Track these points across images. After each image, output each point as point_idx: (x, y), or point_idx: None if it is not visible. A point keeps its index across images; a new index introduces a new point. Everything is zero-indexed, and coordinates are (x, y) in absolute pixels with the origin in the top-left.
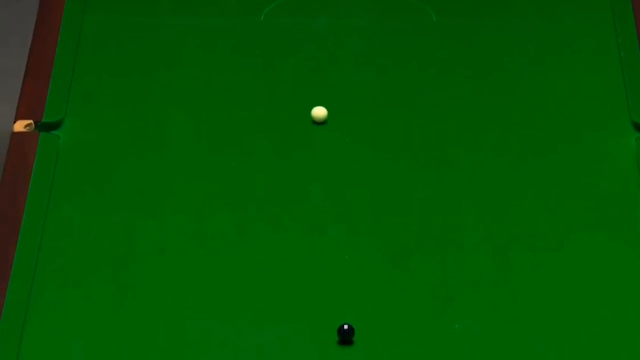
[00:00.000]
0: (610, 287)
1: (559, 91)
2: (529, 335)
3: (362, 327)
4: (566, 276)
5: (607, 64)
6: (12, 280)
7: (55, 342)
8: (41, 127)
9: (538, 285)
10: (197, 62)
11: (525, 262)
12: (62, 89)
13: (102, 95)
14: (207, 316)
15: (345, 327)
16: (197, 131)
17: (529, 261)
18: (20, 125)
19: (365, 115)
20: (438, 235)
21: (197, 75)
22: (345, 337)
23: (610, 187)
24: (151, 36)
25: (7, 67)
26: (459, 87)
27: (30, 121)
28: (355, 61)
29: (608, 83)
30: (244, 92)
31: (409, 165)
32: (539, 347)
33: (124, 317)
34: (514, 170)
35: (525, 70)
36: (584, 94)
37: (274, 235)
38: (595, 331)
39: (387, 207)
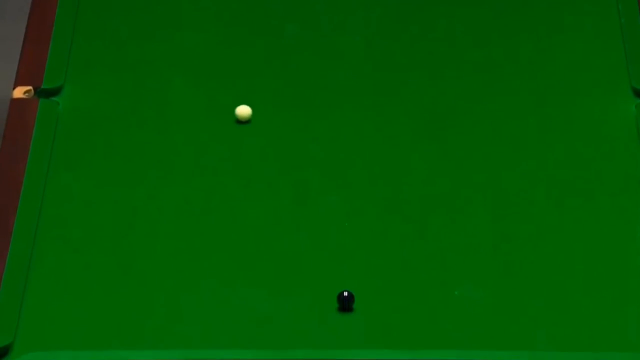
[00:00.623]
0: (610, 251)
1: (559, 58)
2: (529, 300)
3: (362, 294)
4: (566, 241)
5: (608, 30)
6: (12, 247)
7: (56, 308)
8: (40, 93)
9: (538, 250)
10: (198, 27)
11: (525, 227)
12: (61, 55)
13: (102, 61)
14: (207, 282)
15: (345, 294)
16: (199, 97)
17: (528, 226)
18: (19, 92)
19: (366, 79)
20: (437, 201)
21: (199, 40)
22: (345, 304)
23: (610, 153)
24: (152, 1)
25: (5, 33)
26: (459, 52)
27: (30, 87)
28: (356, 24)
29: (608, 50)
30: (244, 56)
31: (409, 130)
32: (539, 311)
33: (124, 284)
34: (513, 136)
35: (526, 36)
36: (584, 60)
37: (275, 201)
38: (595, 295)
39: (386, 172)
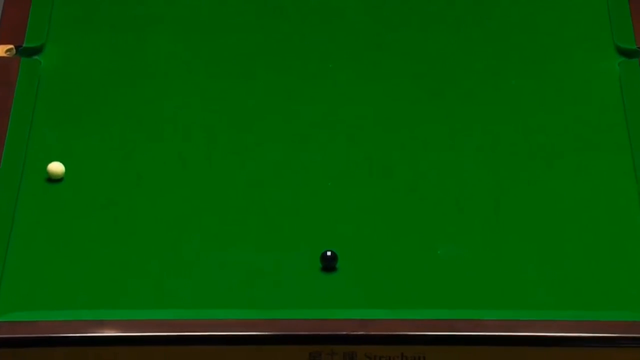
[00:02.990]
0: (599, 207)
1: (543, 17)
2: (518, 259)
3: (345, 253)
4: (553, 198)
5: None
6: None
7: (39, 268)
8: (22, 52)
9: (526, 206)
10: None
11: (513, 184)
12: (43, 13)
13: (84, 19)
14: (191, 241)
15: (328, 253)
16: (183, 55)
17: (516, 183)
18: (1, 50)
19: (358, 37)
20: (424, 160)
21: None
22: (328, 264)
23: (595, 111)
24: None
25: None
26: (448, 15)
27: (11, 46)
28: None
29: (592, 8)
30: (232, 13)
31: (398, 89)
32: (529, 269)
33: (107, 242)
34: (497, 95)
35: None
36: (568, 19)
37: (260, 160)
38: (583, 251)
39: (374, 133)
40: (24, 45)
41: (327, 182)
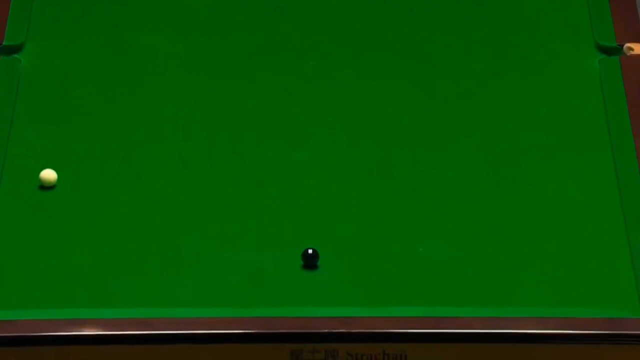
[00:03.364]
0: (580, 205)
1: (523, 15)
2: (498, 257)
3: (326, 251)
4: (535, 195)
5: None
6: None
7: (21, 266)
8: (2, 50)
9: (507, 205)
10: None
11: (494, 181)
12: (23, 11)
13: (64, 17)
14: (174, 242)
15: (310, 251)
16: (164, 54)
17: (497, 180)
18: None
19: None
20: (405, 159)
21: None
22: (310, 262)
23: (576, 108)
24: None
25: None
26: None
27: None
28: None
29: (573, 6)
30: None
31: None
32: (509, 268)
33: (89, 242)
34: (478, 93)
35: None
36: (549, 17)
37: (240, 158)
38: (565, 248)
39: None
40: (4, 43)
41: (309, 181)
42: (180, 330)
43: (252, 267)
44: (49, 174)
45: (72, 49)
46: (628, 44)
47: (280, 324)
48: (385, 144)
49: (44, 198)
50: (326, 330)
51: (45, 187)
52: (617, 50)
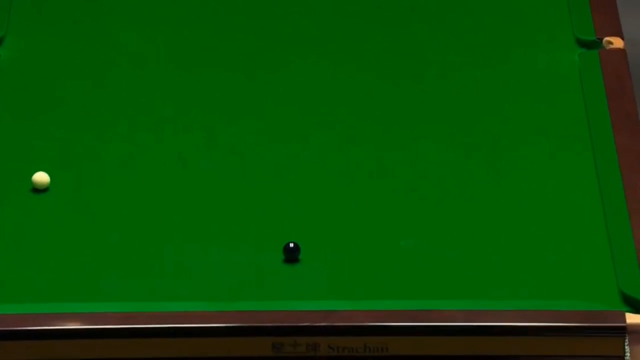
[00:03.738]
0: (559, 200)
1: (503, 9)
2: (478, 249)
3: (308, 245)
4: (513, 189)
5: None
6: None
7: (5, 261)
8: None
9: (485, 198)
10: None
11: (471, 175)
12: (2, 5)
13: (45, 12)
14: (153, 235)
15: (291, 245)
16: (145, 49)
17: (475, 174)
18: None
19: (325, 27)
20: (384, 153)
21: None
22: (291, 255)
23: (555, 101)
24: None
25: None
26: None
27: None
28: None
29: (552, 0)
30: (193, 10)
31: (365, 83)
32: (488, 261)
33: (70, 236)
34: (458, 87)
35: None
36: (528, 11)
37: (222, 155)
38: (543, 241)
39: (340, 124)
40: None
41: (291, 174)
42: (163, 324)
43: (234, 261)
44: (41, 177)
45: (53, 43)
46: (607, 38)
47: (261, 317)
48: (368, 140)
49: (28, 193)
50: (307, 324)
51: (38, 189)
52: (597, 44)
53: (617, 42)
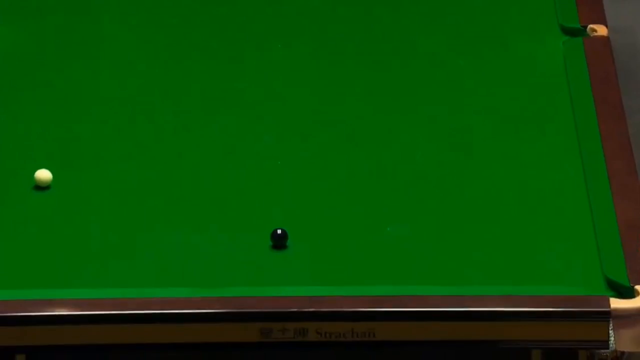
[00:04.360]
0: (541, 183)
1: None
2: (462, 236)
3: (295, 231)
4: (497, 175)
5: None
6: None
7: None
8: None
9: (468, 185)
10: None
11: (457, 162)
12: None
13: (31, 1)
14: (142, 221)
15: (279, 231)
16: (130, 36)
17: (460, 161)
18: None
19: (301, 12)
20: (370, 140)
21: None
22: (278, 242)
23: (540, 88)
24: None
25: None
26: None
27: None
28: None
29: None
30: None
31: (346, 68)
32: (472, 248)
33: (55, 222)
34: (444, 74)
35: None
36: None
37: (207, 141)
38: (527, 227)
39: (320, 109)
40: None
41: (277, 162)
42: (152, 310)
43: (222, 248)
44: (43, 175)
45: (38, 32)
46: (592, 25)
47: (250, 303)
48: (355, 128)
49: (13, 179)
50: (295, 309)
51: (41, 187)
52: (581, 31)
53: (601, 30)
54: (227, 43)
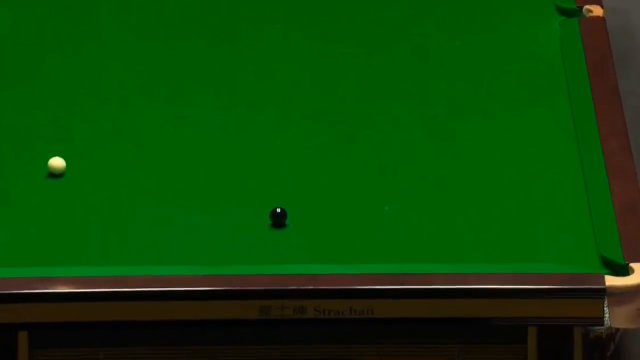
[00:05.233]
0: (538, 162)
1: None
2: (460, 214)
3: (294, 210)
4: (495, 155)
5: None
6: None
7: None
8: None
9: (467, 164)
10: None
11: (455, 141)
12: None
13: None
14: (141, 200)
15: (278, 210)
16: (125, 22)
17: (458, 140)
18: None
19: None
20: (368, 120)
21: None
22: (278, 220)
23: (536, 68)
24: None
25: None
26: None
27: None
28: None
29: None
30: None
31: (342, 53)
32: (469, 226)
33: (52, 203)
34: (441, 54)
35: None
36: None
37: (206, 122)
38: (521, 204)
39: (318, 92)
40: None
41: (277, 141)
42: (153, 287)
43: (222, 227)
44: (57, 162)
45: (33, 16)
46: (587, 6)
47: (249, 281)
48: (352, 108)
49: (17, 161)
50: (294, 287)
51: (55, 174)
52: (577, 12)
53: (596, 10)
54: (225, 27)
